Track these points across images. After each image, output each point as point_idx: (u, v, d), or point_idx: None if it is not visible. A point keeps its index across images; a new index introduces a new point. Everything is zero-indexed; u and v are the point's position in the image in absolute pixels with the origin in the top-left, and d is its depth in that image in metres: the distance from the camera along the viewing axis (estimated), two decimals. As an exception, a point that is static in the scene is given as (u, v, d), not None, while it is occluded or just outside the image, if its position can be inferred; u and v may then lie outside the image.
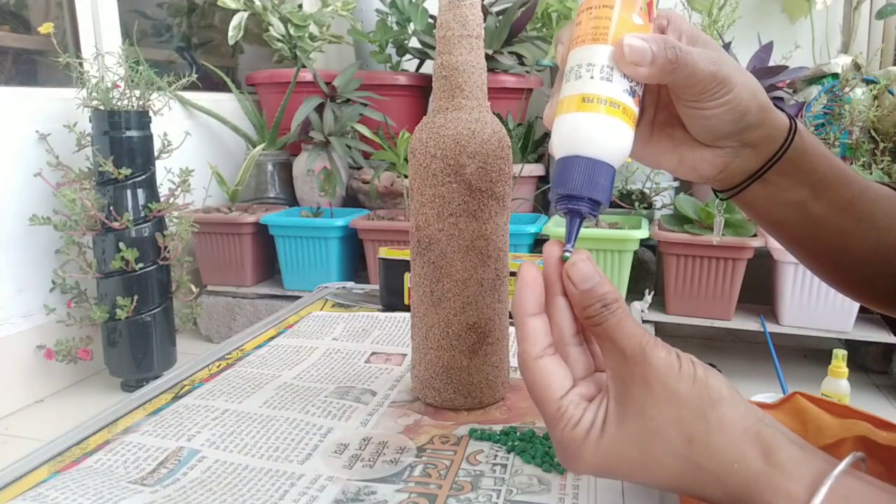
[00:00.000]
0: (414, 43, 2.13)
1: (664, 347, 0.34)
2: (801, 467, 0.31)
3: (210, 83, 2.13)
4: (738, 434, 0.32)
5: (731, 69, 0.41)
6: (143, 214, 1.57)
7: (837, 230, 0.47)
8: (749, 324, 1.61)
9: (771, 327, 1.57)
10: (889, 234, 0.48)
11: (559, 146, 0.39)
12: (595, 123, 0.38)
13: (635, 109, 0.39)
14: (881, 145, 1.68)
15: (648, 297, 1.63)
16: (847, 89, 1.74)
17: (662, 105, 0.45)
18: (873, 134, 1.71)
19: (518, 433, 0.47)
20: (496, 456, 0.45)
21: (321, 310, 0.80)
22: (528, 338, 0.35)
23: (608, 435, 0.33)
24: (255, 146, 2.05)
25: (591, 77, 0.38)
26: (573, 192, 0.37)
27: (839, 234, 0.47)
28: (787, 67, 1.73)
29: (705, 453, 0.32)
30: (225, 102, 2.15)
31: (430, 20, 2.07)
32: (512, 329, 0.62)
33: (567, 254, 0.36)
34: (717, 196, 0.50)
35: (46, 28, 1.50)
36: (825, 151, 0.46)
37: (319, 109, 1.99)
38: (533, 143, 1.98)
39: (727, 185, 0.47)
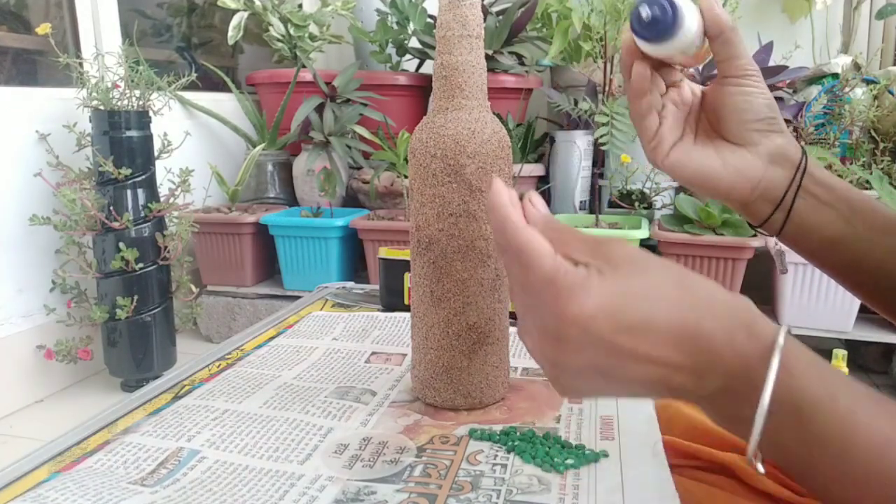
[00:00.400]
0: (414, 43, 2.13)
1: None
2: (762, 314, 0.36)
3: (210, 83, 2.14)
4: (709, 281, 0.36)
5: None
6: (143, 214, 1.57)
7: (889, 250, 0.50)
8: (749, 324, 1.60)
9: (771, 327, 1.57)
10: None
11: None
12: None
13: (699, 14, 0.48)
14: (881, 145, 1.68)
15: (648, 297, 1.63)
16: (847, 89, 1.74)
17: (701, 128, 0.53)
18: (873, 134, 1.71)
19: (518, 433, 0.47)
20: (496, 456, 0.45)
21: (321, 310, 0.80)
22: (515, 213, 0.37)
23: (605, 273, 0.35)
24: (255, 146, 2.05)
25: None
26: None
27: (891, 254, 0.50)
28: (787, 67, 1.73)
29: (692, 294, 0.35)
30: (225, 102, 2.15)
31: (430, 20, 2.07)
32: (512, 329, 0.62)
33: (646, 12, 0.45)
34: (754, 230, 0.55)
35: (44, 29, 1.50)
36: (831, 175, 0.52)
37: (319, 109, 1.99)
38: (533, 143, 1.98)
39: (771, 204, 0.51)
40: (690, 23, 0.46)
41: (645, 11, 0.45)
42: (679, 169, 0.51)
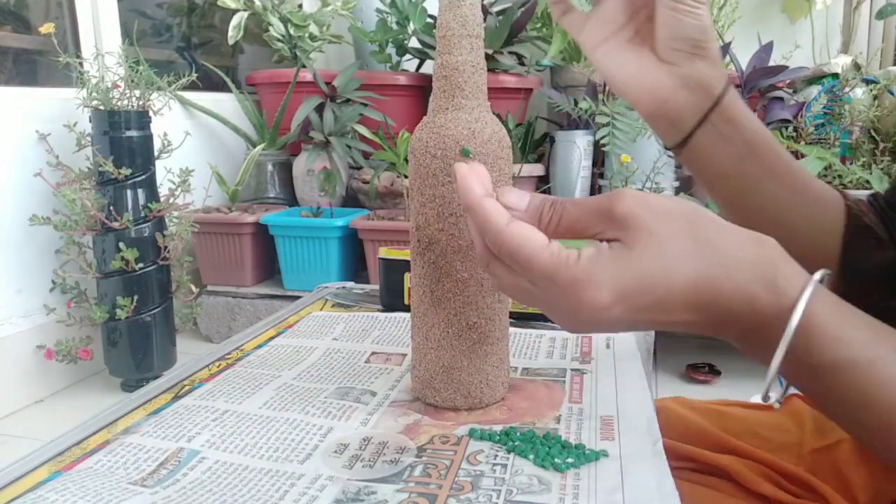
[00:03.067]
0: (414, 43, 2.13)
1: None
2: (790, 259, 0.35)
3: (210, 83, 2.13)
4: (729, 227, 0.35)
5: None
6: (143, 214, 1.57)
7: (773, 196, 0.52)
8: (749, 324, 1.60)
9: (771, 327, 1.57)
10: (823, 211, 0.52)
11: None
12: None
13: None
14: (881, 145, 1.68)
15: (648, 297, 1.63)
16: (847, 89, 1.74)
17: (637, 31, 0.53)
18: (873, 134, 1.71)
19: (518, 433, 0.47)
20: (496, 456, 0.45)
21: (321, 310, 0.80)
22: (492, 212, 0.36)
23: (620, 254, 0.33)
24: (255, 146, 2.05)
25: None
26: None
27: (774, 201, 0.52)
28: (787, 67, 1.73)
29: (710, 248, 0.34)
30: (225, 102, 2.15)
31: (430, 20, 2.07)
32: (513, 329, 0.62)
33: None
34: (667, 150, 0.56)
35: (47, 28, 1.51)
36: (758, 121, 0.52)
37: (319, 109, 1.99)
38: (533, 143, 1.98)
39: (677, 127, 0.52)
40: None
41: None
42: (599, 68, 0.52)
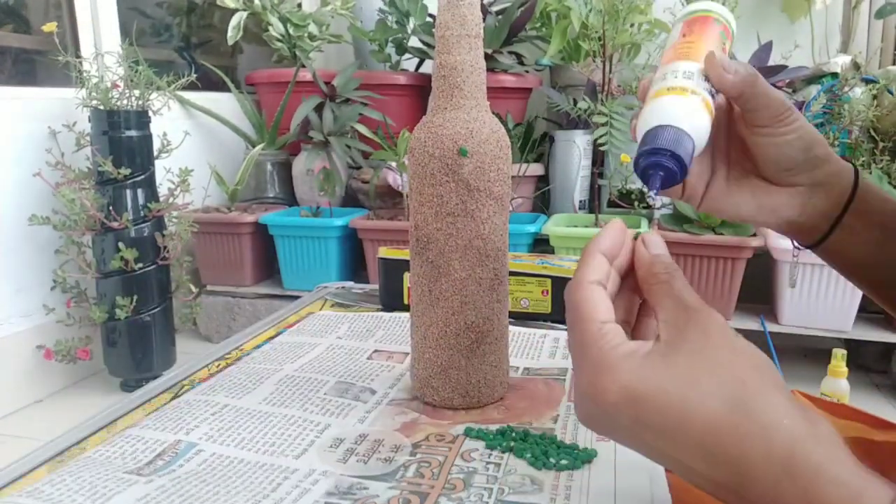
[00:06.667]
0: (413, 42, 2.13)
1: None
2: (838, 443, 0.30)
3: (209, 83, 2.13)
4: (787, 395, 0.31)
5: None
6: (142, 214, 1.57)
7: None
8: (749, 323, 1.61)
9: (770, 327, 1.57)
10: None
11: (643, 124, 0.44)
12: (678, 102, 0.44)
13: (712, 104, 0.45)
14: (880, 145, 1.68)
15: (648, 297, 1.63)
16: (846, 89, 1.74)
17: (734, 162, 0.50)
18: (872, 133, 1.71)
19: (513, 433, 0.47)
20: (490, 454, 0.45)
21: (321, 310, 0.80)
22: (591, 266, 0.35)
23: (652, 361, 0.31)
24: (254, 146, 2.05)
25: (675, 77, 0.45)
26: (658, 146, 0.41)
27: None
28: (786, 67, 1.73)
29: (757, 401, 0.30)
30: (224, 102, 2.15)
31: (430, 18, 2.07)
32: (512, 328, 0.62)
33: (652, 198, 0.39)
34: (797, 248, 0.53)
35: (50, 27, 1.50)
36: (891, 200, 0.49)
37: (319, 109, 1.99)
38: (532, 142, 1.98)
39: (810, 233, 0.50)
40: (701, 139, 0.43)
41: (654, 190, 0.42)
42: (713, 213, 0.50)
